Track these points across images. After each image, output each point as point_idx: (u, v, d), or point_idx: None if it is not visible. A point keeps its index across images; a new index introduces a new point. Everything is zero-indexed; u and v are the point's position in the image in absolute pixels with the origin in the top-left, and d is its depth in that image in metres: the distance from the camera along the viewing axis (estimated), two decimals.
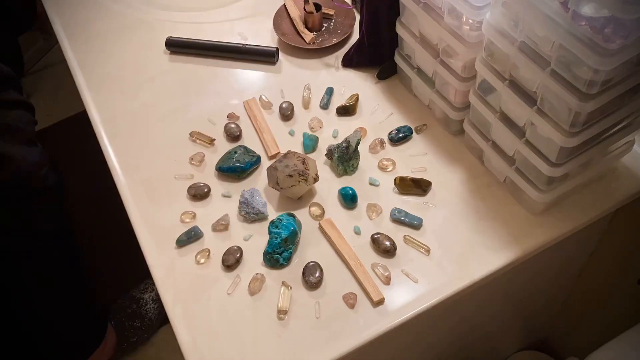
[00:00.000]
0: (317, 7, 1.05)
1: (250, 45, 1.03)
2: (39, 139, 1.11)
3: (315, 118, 0.94)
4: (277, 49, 1.03)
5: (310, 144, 0.90)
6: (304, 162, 0.81)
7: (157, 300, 1.57)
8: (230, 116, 0.96)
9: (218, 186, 0.87)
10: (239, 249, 0.79)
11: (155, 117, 0.97)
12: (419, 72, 0.91)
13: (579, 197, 0.81)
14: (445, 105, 0.87)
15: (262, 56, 1.03)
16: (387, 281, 0.75)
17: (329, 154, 0.87)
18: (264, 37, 1.06)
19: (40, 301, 1.20)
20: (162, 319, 1.57)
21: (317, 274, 0.76)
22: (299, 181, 0.79)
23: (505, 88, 0.72)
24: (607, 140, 0.74)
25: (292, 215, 0.80)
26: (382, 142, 0.90)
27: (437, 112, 0.91)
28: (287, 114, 0.94)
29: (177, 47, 1.05)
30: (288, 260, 0.78)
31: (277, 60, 1.03)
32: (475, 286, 0.76)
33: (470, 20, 0.74)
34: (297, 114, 0.95)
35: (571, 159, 0.72)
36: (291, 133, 0.93)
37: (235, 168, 0.86)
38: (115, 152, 0.93)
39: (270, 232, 0.78)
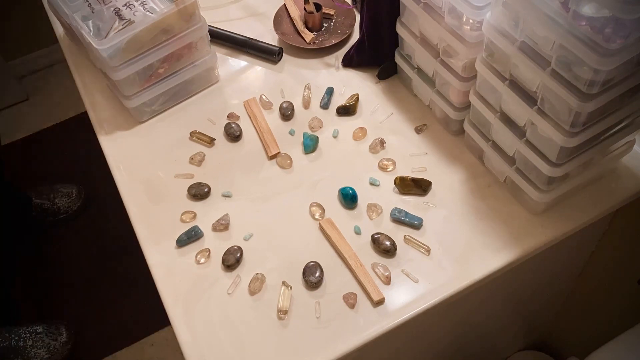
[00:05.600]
0: (318, 7, 1.05)
1: (255, 40, 1.04)
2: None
3: (316, 118, 0.94)
4: (281, 48, 1.03)
5: (311, 143, 0.90)
6: None
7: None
8: (231, 116, 0.96)
9: (218, 186, 0.87)
10: (239, 249, 0.79)
11: (156, 116, 0.97)
12: (419, 72, 0.91)
13: (579, 197, 0.81)
14: (445, 105, 0.87)
15: (266, 53, 1.03)
16: (387, 281, 0.75)
17: None
18: (265, 37, 1.06)
19: None
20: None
21: (317, 274, 0.76)
22: None
23: (505, 88, 0.72)
24: (608, 141, 0.74)
25: None
26: (382, 142, 0.90)
27: (438, 112, 0.91)
28: (287, 113, 0.94)
29: None
30: None
31: (278, 60, 1.03)
32: (475, 286, 0.75)
33: (471, 20, 0.74)
34: (297, 114, 0.95)
35: (571, 159, 0.72)
36: (291, 133, 0.93)
37: None
38: (115, 152, 0.93)
39: None
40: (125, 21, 0.92)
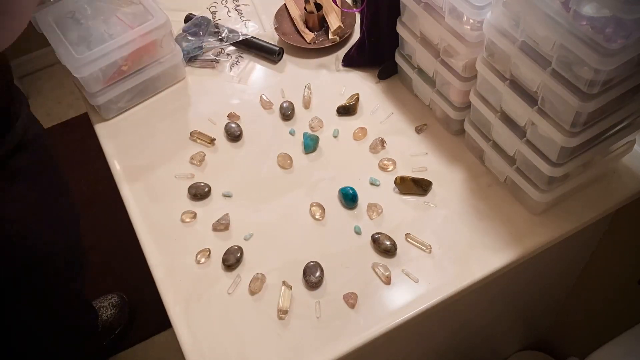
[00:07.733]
0: (318, 6, 1.05)
1: (256, 39, 1.04)
2: None
3: (316, 118, 0.94)
4: (282, 48, 1.03)
5: (311, 143, 0.90)
6: None
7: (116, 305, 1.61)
8: (231, 116, 0.96)
9: (218, 186, 0.87)
10: (240, 249, 0.79)
11: (156, 116, 0.97)
12: (420, 71, 0.91)
13: (580, 197, 0.81)
14: (445, 105, 0.87)
15: (266, 53, 1.03)
16: (387, 281, 0.75)
17: None
18: (265, 36, 1.06)
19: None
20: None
21: (318, 274, 0.76)
22: None
23: (506, 88, 0.72)
24: (608, 140, 0.74)
25: None
26: (382, 141, 0.89)
27: (438, 112, 0.91)
28: (287, 113, 0.94)
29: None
30: None
31: (279, 60, 1.03)
32: (475, 286, 0.75)
33: (471, 20, 0.74)
34: (298, 114, 0.95)
35: (572, 159, 0.72)
36: (292, 132, 0.93)
37: None
38: (115, 152, 0.93)
39: None
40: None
